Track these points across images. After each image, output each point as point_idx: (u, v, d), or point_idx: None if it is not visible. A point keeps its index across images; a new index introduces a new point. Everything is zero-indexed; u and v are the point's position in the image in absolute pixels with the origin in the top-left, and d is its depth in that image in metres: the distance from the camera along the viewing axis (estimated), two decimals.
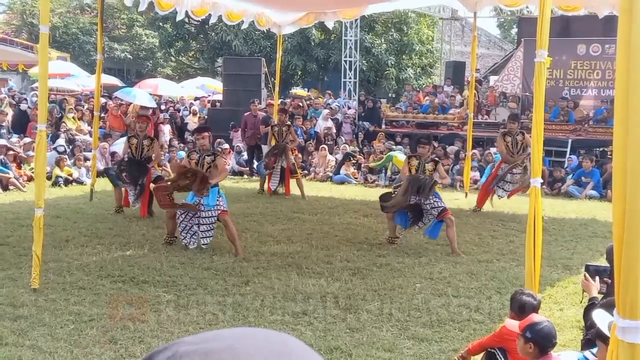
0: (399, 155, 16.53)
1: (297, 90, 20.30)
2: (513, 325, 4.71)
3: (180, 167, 9.68)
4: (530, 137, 11.50)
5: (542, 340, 4.18)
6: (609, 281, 4.01)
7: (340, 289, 7.66)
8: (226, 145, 18.72)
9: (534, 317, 4.48)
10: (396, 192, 10.13)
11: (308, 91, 28.73)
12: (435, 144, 18.27)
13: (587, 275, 4.67)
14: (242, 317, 6.61)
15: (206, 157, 9.49)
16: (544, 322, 4.27)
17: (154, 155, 11.74)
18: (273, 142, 14.85)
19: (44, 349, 5.67)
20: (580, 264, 8.99)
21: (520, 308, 4.97)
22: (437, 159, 10.53)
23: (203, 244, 9.38)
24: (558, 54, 20.53)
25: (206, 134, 9.71)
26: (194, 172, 9.27)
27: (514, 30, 40.53)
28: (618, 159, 3.19)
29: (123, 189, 11.86)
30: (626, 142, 3.10)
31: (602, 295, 4.67)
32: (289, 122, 15.07)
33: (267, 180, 14.80)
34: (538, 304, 5.07)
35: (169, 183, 9.90)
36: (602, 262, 5.82)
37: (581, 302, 4.73)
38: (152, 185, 11.20)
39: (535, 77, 6.12)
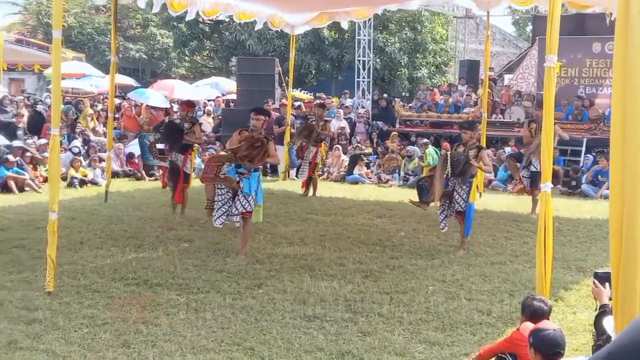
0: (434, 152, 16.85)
1: (296, 93, 20.20)
2: (526, 330, 4.69)
3: (249, 137, 9.30)
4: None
5: (544, 347, 4.16)
6: None
7: (353, 291, 7.67)
8: None
9: (543, 323, 4.46)
10: (432, 175, 9.95)
11: (311, 94, 28.41)
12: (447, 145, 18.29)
13: (597, 282, 4.66)
14: (254, 321, 6.63)
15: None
16: (550, 330, 4.25)
17: (195, 137, 11.69)
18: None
19: (58, 353, 5.72)
20: (594, 265, 8.95)
21: (531, 314, 4.95)
22: (481, 146, 10.34)
23: (236, 223, 9.28)
24: (573, 52, 20.48)
25: (262, 116, 9.43)
26: (262, 142, 9.09)
27: (529, 28, 40.32)
28: (615, 175, 3.17)
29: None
30: (624, 156, 3.09)
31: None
32: (327, 118, 15.01)
33: (297, 171, 14.87)
34: (549, 310, 5.05)
35: (227, 152, 9.66)
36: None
37: (596, 310, 4.71)
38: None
39: (545, 82, 6.08)
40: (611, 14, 11.45)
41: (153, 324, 6.47)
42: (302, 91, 27.93)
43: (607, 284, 4.56)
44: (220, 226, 9.30)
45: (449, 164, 9.63)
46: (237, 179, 9.11)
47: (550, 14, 6.06)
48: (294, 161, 14.65)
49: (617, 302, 3.23)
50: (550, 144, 6.18)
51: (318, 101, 17.26)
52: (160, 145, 12.25)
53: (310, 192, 14.59)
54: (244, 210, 9.07)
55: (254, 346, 6.00)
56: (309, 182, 14.57)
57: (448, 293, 7.73)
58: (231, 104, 23.16)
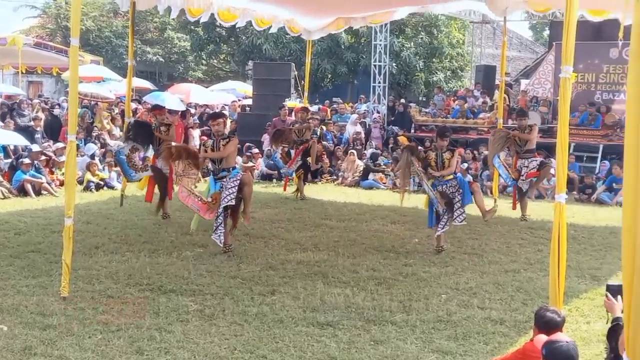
0: None
1: (290, 103, 20.48)
2: (540, 341, 4.66)
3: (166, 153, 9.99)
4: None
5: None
6: None
7: (366, 299, 7.67)
8: (256, 150, 18.83)
9: (556, 336, 4.43)
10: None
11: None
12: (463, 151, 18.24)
13: (609, 294, 4.63)
14: (267, 328, 6.65)
15: (221, 140, 9.74)
16: (563, 342, 4.22)
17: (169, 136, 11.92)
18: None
19: (72, 359, 5.76)
20: (608, 274, 8.91)
21: (544, 325, 4.92)
22: (453, 148, 10.77)
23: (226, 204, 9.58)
24: (590, 58, 20.37)
25: (220, 119, 9.96)
26: (175, 151, 9.70)
27: (547, 32, 40.12)
28: (629, 183, 3.16)
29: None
30: (638, 164, 3.07)
31: None
32: (310, 121, 15.12)
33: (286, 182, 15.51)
34: (562, 321, 5.01)
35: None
36: None
37: (607, 323, 4.68)
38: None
39: (560, 93, 6.06)
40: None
41: (166, 330, 6.51)
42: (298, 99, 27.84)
43: (619, 297, 4.53)
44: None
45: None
46: (221, 187, 9.60)
47: (566, 24, 6.03)
48: (284, 169, 14.85)
49: (628, 316, 3.20)
50: (565, 154, 6.15)
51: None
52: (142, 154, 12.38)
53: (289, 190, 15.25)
54: (233, 193, 9.47)
55: (266, 354, 6.02)
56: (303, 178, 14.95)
57: (461, 301, 7.72)
58: (247, 108, 23.23)
